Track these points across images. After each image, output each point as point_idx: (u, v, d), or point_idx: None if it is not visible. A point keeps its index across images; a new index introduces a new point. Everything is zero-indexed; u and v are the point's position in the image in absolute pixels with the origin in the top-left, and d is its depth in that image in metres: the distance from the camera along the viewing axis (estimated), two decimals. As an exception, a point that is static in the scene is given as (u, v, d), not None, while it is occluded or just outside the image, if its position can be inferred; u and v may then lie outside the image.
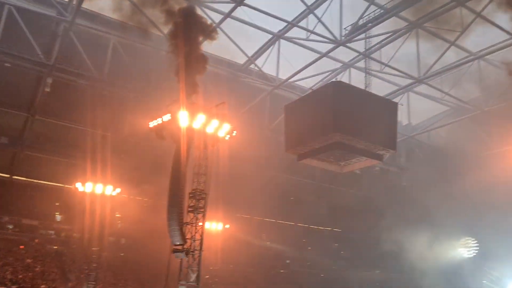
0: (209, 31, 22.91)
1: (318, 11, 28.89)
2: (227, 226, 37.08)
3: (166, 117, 20.08)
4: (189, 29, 20.69)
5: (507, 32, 27.53)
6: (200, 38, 22.00)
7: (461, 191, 36.04)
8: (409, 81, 33.74)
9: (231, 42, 30.37)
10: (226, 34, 29.56)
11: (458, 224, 36.89)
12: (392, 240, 44.94)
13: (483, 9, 26.57)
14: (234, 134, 20.99)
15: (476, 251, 38.67)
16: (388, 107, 30.95)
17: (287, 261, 47.36)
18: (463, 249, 39.48)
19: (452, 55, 31.40)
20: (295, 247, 46.70)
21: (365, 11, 28.39)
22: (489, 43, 30.57)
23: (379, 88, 33.61)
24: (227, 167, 35.98)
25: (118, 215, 33.58)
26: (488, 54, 31.00)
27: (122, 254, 33.49)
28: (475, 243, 38.63)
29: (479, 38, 29.38)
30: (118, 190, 27.52)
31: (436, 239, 38.78)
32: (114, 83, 30.52)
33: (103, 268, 28.80)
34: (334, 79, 34.24)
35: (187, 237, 18.69)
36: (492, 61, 31.68)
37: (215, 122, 20.04)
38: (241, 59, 33.41)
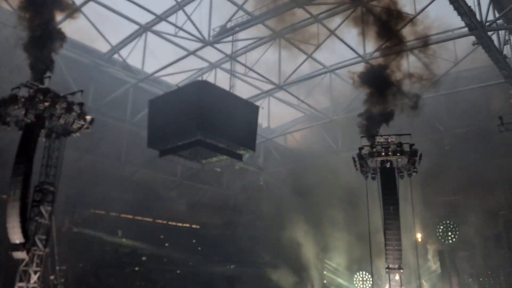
0: (67, 8, 21.05)
1: (188, 8, 28.98)
2: (79, 221, 34.86)
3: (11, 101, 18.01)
4: (44, 2, 18.84)
5: (355, 51, 30.97)
6: (57, 15, 20.10)
7: (309, 190, 39.42)
8: (270, 86, 35.67)
9: (94, 28, 28.69)
10: (87, 18, 27.82)
11: (305, 219, 40.10)
12: (248, 236, 47.26)
13: (337, 28, 29.58)
14: (91, 125, 19.87)
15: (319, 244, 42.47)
16: (250, 109, 32.44)
17: (143, 258, 46.39)
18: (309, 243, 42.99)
19: (308, 66, 34.21)
20: (152, 244, 46.02)
21: (233, 15, 29.35)
22: (340, 59, 33.96)
23: (242, 90, 35.08)
24: (82, 159, 34.00)
25: None
26: (338, 68, 34.40)
27: None
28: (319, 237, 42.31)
29: (332, 54, 32.60)
30: None
31: (286, 233, 41.59)
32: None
33: None
34: (200, 78, 34.60)
35: (29, 234, 17.06)
36: (341, 75, 35.24)
37: (70, 111, 18.69)
38: (104, 48, 31.73)
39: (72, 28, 23.20)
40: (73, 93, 19.43)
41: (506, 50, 28.19)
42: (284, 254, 43.36)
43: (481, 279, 38.69)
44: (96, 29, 28.98)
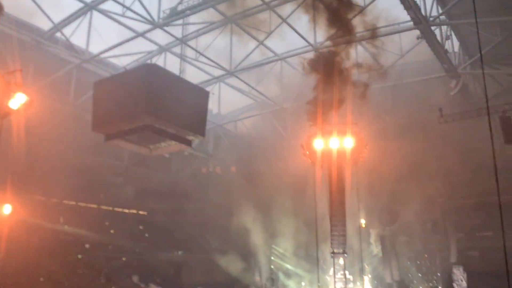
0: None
1: (137, -12, 27.94)
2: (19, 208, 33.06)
3: None
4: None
5: (305, 40, 31.22)
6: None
7: (258, 177, 39.68)
8: (221, 72, 35.34)
9: (35, 4, 27.03)
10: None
11: (253, 205, 40.41)
12: (196, 223, 47.01)
13: (288, 16, 29.64)
14: (30, 106, 18.80)
15: (267, 230, 43.03)
16: (200, 95, 31.96)
17: (87, 246, 44.96)
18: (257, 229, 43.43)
19: (259, 54, 34.14)
20: (97, 231, 44.66)
21: (184, -3, 28.64)
22: (291, 47, 34.14)
23: (193, 75, 34.48)
24: (21, 143, 32.17)
25: None
26: (289, 57, 34.60)
27: None
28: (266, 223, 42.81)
29: (283, 42, 32.70)
30: None
31: (235, 220, 41.76)
32: None
33: None
34: (149, 61, 33.64)
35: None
36: (292, 63, 35.48)
37: (7, 90, 17.57)
38: (46, 26, 30.01)
39: (10, 2, 21.72)
40: (10, 72, 18.27)
41: (448, 44, 29.55)
42: (232, 240, 43.58)
43: (418, 262, 40.91)
44: (37, 5, 27.32)
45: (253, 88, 38.27)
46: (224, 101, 41.97)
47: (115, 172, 46.36)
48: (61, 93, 32.98)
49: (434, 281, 40.20)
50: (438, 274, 39.81)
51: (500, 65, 32.14)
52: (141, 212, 53.33)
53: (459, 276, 39.33)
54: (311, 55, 30.43)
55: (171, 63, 33.85)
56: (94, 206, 47.40)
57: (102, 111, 29.43)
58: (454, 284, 39.34)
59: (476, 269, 37.77)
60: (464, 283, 39.04)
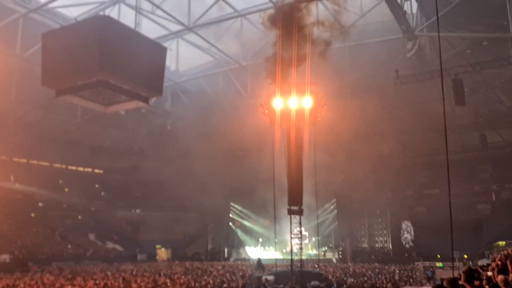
0: None
1: None
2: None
3: None
4: None
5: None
6: None
7: (217, 135, 39.51)
8: (178, 27, 34.14)
9: None
10: None
11: (211, 163, 40.38)
12: (153, 181, 46.70)
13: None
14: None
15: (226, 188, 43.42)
16: (157, 50, 30.71)
17: (40, 204, 43.93)
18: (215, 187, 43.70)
19: (219, 10, 33.08)
20: (50, 189, 43.58)
21: None
22: (252, 3, 33.27)
23: (149, 30, 32.98)
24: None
25: None
26: (249, 13, 33.78)
27: None
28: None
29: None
30: None
31: (193, 178, 41.73)
32: None
33: None
34: (101, 13, 31.85)
35: None
36: (252, 21, 34.70)
37: None
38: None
39: None
40: None
41: (407, 6, 29.78)
42: (190, 198, 43.74)
43: (370, 218, 42.94)
44: None
45: (212, 45, 37.33)
46: (182, 58, 40.90)
47: (68, 129, 44.81)
48: (7, 44, 30.89)
49: (384, 236, 42.46)
50: (388, 229, 42.02)
51: (455, 29, 32.89)
52: (96, 171, 52.34)
53: (407, 230, 41.75)
54: (271, 11, 29.82)
55: (125, 16, 32.18)
56: (47, 164, 45.98)
57: (52, 65, 27.78)
58: (402, 238, 41.77)
59: (423, 223, 40.16)
60: (411, 236, 41.52)
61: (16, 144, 36.83)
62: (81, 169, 50.18)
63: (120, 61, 27.05)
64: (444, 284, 4.10)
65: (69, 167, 48.60)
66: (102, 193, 50.72)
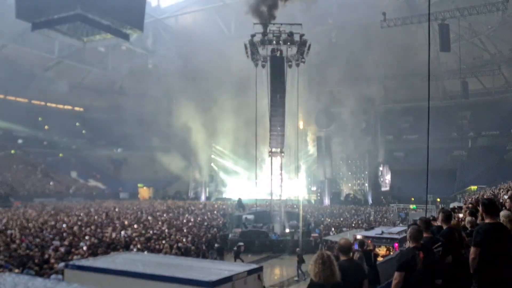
0: None
1: None
2: None
3: None
4: None
5: None
6: None
7: (200, 75, 38.90)
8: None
9: None
10: None
11: (194, 103, 40.02)
12: (135, 120, 46.26)
13: None
14: None
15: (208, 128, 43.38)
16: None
17: (20, 141, 43.38)
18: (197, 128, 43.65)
19: None
20: (29, 126, 42.92)
21: None
22: None
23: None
24: None
25: None
26: None
27: None
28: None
29: None
30: None
31: (175, 118, 41.49)
32: None
33: None
34: None
35: None
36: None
37: None
38: None
39: None
40: None
41: None
42: (172, 138, 43.70)
43: (349, 161, 43.83)
44: None
45: (195, -20, 35.83)
46: (164, -7, 39.33)
47: (45, 65, 43.42)
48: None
49: (362, 179, 43.64)
50: (366, 172, 43.12)
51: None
52: (76, 109, 51.43)
53: (384, 174, 42.96)
54: None
55: None
56: (24, 100, 44.89)
57: (27, -4, 26.49)
58: (379, 181, 43.04)
59: (400, 168, 41.27)
60: (388, 180, 42.81)
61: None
62: (60, 106, 49.27)
63: (98, -6, 25.89)
64: (418, 223, 4.30)
65: (48, 104, 47.62)
66: (83, 131, 50.24)
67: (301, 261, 13.92)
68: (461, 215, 8.50)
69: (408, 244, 3.79)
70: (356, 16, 34.61)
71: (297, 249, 14.98)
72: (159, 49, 43.00)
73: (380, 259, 9.03)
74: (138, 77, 45.78)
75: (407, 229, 4.28)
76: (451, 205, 22.21)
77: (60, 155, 47.34)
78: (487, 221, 3.64)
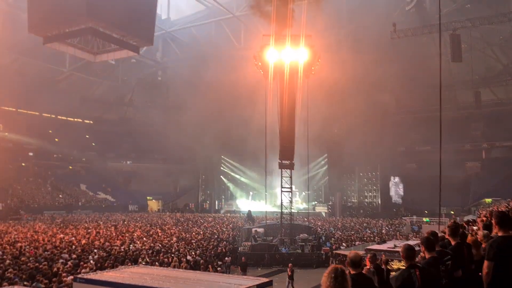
0: None
1: None
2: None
3: None
4: None
5: None
6: None
7: (209, 86, 38.89)
8: (170, -27, 32.71)
9: None
10: None
11: (205, 116, 40.00)
12: (145, 132, 46.37)
13: None
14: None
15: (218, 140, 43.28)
16: (147, -3, 29.72)
17: (30, 154, 43.66)
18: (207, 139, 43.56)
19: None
20: (40, 138, 43.19)
21: None
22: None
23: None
24: None
25: None
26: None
27: None
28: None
29: None
30: None
31: (185, 129, 41.44)
32: None
33: None
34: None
35: None
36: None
37: None
38: None
39: None
40: None
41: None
42: (182, 151, 43.66)
43: (361, 174, 43.42)
44: None
45: (204, -8, 36.06)
46: (174, 6, 39.55)
47: (57, 78, 43.83)
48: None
49: (374, 191, 43.11)
50: (378, 185, 42.61)
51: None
52: (86, 121, 51.72)
53: (397, 186, 42.38)
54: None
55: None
56: (36, 113, 45.26)
57: (40, 10, 26.79)
58: (391, 193, 42.46)
59: (413, 179, 40.64)
60: (400, 192, 42.22)
61: (4, 92, 36.04)
62: (71, 119, 49.63)
63: (109, 7, 26.20)
64: (425, 235, 4.16)
65: (59, 116, 48.00)
66: (93, 144, 50.47)
67: (291, 278, 13.65)
68: (475, 228, 8.21)
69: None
70: (366, 26, 34.48)
71: (290, 264, 14.58)
72: (168, 61, 43.24)
73: (393, 273, 8.75)
74: (148, 89, 46.00)
75: (420, 242, 4.13)
76: (465, 218, 21.72)
77: (70, 167, 47.56)
78: (500, 234, 3.48)
